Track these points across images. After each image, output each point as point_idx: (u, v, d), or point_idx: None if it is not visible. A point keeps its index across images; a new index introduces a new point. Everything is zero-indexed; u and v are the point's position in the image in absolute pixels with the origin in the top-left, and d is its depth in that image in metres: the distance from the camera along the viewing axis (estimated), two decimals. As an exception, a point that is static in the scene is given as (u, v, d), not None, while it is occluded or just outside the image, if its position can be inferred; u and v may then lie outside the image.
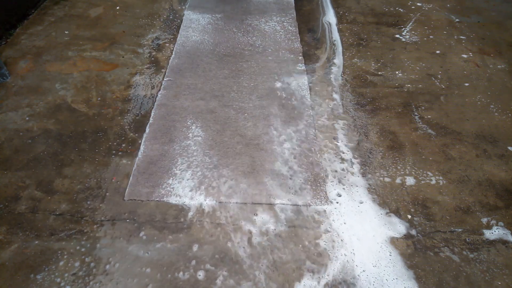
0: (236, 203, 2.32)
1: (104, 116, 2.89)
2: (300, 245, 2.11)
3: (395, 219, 2.26)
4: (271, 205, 2.31)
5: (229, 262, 2.01)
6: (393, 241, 2.15)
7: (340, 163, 2.60)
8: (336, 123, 2.92)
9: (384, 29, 4.15)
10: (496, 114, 3.06)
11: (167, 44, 3.78)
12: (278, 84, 3.30)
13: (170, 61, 3.54)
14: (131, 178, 2.44)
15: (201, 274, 1.96)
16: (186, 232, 2.15)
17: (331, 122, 2.93)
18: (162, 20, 4.17)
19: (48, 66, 3.38)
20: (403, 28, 4.16)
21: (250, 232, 2.16)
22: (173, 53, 3.65)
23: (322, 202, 2.34)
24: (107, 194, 2.34)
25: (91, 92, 3.12)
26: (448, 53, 3.78)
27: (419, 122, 2.96)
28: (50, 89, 3.12)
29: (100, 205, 2.27)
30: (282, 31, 4.08)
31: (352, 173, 2.53)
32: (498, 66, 3.62)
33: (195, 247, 2.07)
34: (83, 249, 2.04)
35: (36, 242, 2.07)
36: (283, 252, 2.07)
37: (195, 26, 4.10)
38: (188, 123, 2.88)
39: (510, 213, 2.32)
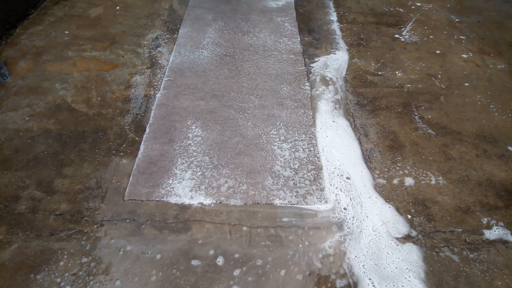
0: (236, 203, 2.32)
1: (104, 116, 2.89)
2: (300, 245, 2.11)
3: (396, 219, 2.26)
4: (271, 205, 2.31)
5: (229, 262, 2.01)
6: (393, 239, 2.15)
7: (340, 163, 2.60)
8: (336, 123, 2.92)
9: (384, 29, 4.15)
10: (496, 114, 3.06)
11: (167, 44, 3.77)
12: (278, 84, 3.30)
13: (170, 61, 3.54)
14: (131, 178, 2.44)
15: (201, 274, 1.96)
16: (186, 232, 2.15)
17: (331, 122, 2.93)
18: (162, 20, 4.17)
19: (48, 66, 3.38)
20: (403, 28, 4.16)
21: (250, 232, 2.16)
22: (173, 53, 3.65)
23: (322, 202, 2.34)
24: (107, 194, 2.34)
25: (91, 92, 3.12)
26: (448, 53, 3.78)
27: (419, 122, 2.96)
28: (50, 89, 3.12)
29: (100, 205, 2.27)
30: (282, 31, 4.07)
31: (352, 173, 2.53)
32: (498, 66, 3.62)
33: (195, 247, 2.07)
34: (83, 249, 2.04)
35: (36, 242, 2.07)
36: (284, 255, 2.07)
37: (195, 26, 4.10)
38: (188, 123, 2.88)
39: (510, 213, 2.32)
